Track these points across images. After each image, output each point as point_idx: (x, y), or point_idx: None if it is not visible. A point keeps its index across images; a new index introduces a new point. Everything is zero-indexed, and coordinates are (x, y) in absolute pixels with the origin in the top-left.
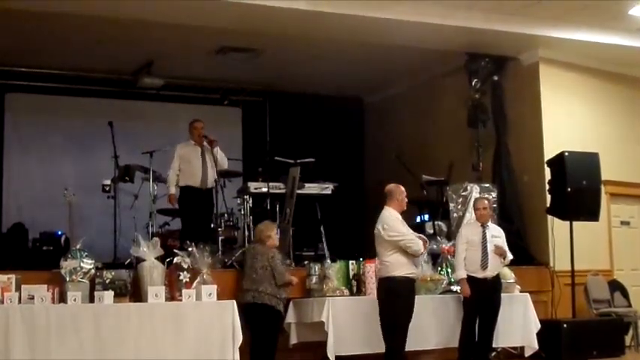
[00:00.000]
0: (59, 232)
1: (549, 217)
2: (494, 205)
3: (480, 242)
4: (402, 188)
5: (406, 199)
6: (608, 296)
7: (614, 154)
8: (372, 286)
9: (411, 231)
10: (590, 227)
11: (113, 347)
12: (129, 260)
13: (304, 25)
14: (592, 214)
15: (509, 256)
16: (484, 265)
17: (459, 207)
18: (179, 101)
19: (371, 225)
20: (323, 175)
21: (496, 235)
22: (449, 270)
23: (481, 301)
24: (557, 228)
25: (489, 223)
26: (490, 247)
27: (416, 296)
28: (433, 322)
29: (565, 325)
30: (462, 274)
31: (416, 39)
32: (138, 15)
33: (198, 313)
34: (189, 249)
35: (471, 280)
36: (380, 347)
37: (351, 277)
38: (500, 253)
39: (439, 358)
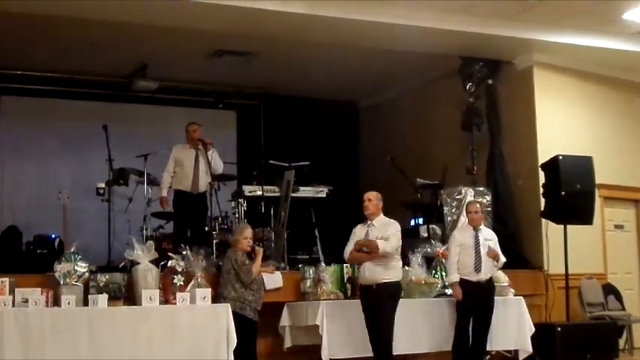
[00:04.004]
0: (53, 236)
1: (543, 220)
2: (489, 209)
3: (473, 246)
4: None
5: (365, 204)
6: (602, 300)
7: (608, 158)
8: None
9: (355, 238)
10: (584, 231)
11: (107, 351)
12: (123, 263)
13: (299, 29)
14: (586, 218)
15: (502, 259)
16: (477, 269)
17: (454, 210)
18: (174, 104)
19: None
20: (318, 178)
21: (488, 238)
22: (443, 273)
23: (474, 304)
24: (552, 231)
25: (482, 227)
26: (483, 251)
27: (402, 299)
28: (427, 325)
29: (559, 329)
30: (454, 277)
31: (410, 43)
32: (132, 18)
33: (193, 316)
34: (184, 252)
35: (464, 283)
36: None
37: (345, 280)
38: (493, 256)
39: None
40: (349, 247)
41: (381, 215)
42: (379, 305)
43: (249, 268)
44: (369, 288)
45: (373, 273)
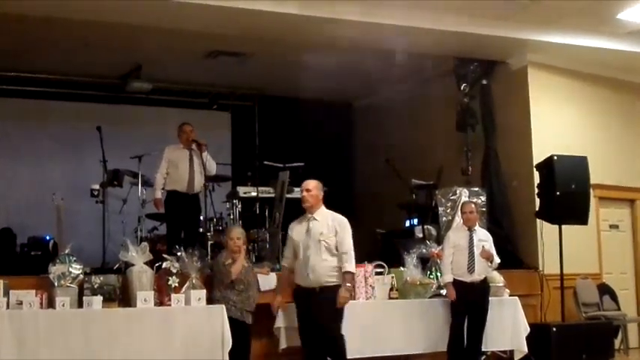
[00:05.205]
0: (47, 237)
1: (538, 220)
2: (483, 209)
3: (466, 246)
4: None
5: (304, 195)
6: (597, 300)
7: (603, 158)
8: (361, 290)
9: (294, 236)
10: (579, 231)
11: (102, 352)
12: (118, 265)
13: (294, 30)
14: (581, 218)
15: (497, 260)
16: (471, 269)
17: (449, 211)
18: (168, 105)
19: (360, 229)
20: (312, 179)
21: (483, 239)
22: (438, 274)
23: (469, 304)
24: (546, 232)
25: (476, 227)
26: (477, 251)
27: (398, 300)
28: (422, 326)
29: (554, 329)
30: (447, 278)
31: (405, 43)
32: (126, 19)
33: (188, 317)
34: (178, 254)
35: (458, 284)
36: (367, 351)
37: None
38: (487, 256)
39: None
40: (288, 253)
41: (323, 207)
42: (326, 312)
43: (229, 268)
44: (312, 291)
45: (318, 275)
